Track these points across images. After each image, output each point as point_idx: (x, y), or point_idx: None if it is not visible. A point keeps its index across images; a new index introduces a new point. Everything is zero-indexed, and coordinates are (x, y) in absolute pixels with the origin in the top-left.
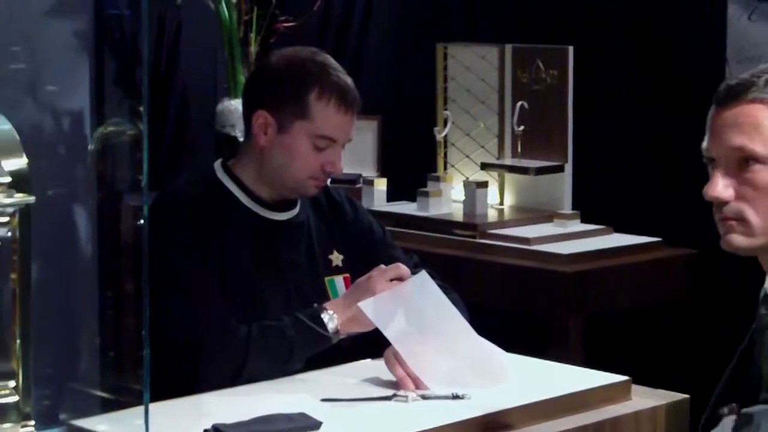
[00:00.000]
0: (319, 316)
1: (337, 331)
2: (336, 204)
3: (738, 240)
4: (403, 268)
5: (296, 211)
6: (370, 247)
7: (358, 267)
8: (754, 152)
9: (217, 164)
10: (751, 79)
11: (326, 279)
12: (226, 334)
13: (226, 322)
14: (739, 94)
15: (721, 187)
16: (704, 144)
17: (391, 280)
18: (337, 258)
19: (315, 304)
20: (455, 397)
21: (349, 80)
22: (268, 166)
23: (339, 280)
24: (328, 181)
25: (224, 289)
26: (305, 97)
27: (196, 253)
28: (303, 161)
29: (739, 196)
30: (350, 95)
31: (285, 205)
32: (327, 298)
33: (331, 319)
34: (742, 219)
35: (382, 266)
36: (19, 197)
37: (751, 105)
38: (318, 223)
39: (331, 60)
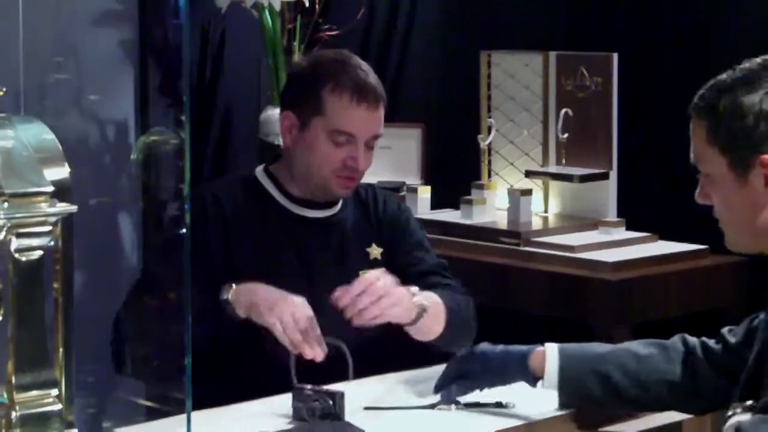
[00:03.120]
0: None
1: (228, 302)
2: (380, 208)
3: None
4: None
5: (336, 210)
6: (401, 242)
7: (393, 261)
8: None
9: (260, 167)
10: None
11: (360, 272)
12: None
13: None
14: None
15: None
16: None
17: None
18: (375, 251)
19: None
20: (499, 405)
21: (369, 77)
22: (295, 166)
23: None
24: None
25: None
26: (320, 92)
27: (203, 252)
28: (322, 157)
29: None
30: (367, 89)
31: (324, 204)
32: None
33: (228, 292)
34: None
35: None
36: (62, 206)
37: None
38: (358, 219)
39: (355, 59)
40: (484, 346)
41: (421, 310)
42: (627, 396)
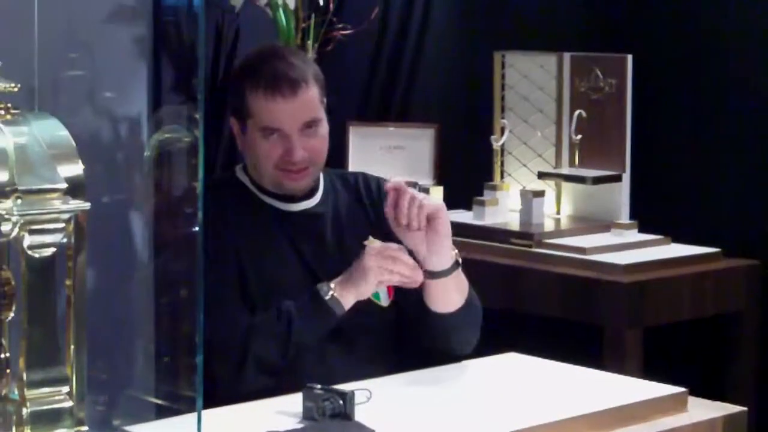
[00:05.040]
0: (325, 303)
1: (343, 311)
2: (374, 192)
3: None
4: (394, 248)
5: (315, 200)
6: None
7: None
8: None
9: (239, 166)
10: None
11: None
12: (228, 329)
13: (233, 321)
14: None
15: None
16: None
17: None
18: (374, 243)
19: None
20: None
21: (286, 66)
22: (249, 167)
23: None
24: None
25: (246, 283)
26: (244, 93)
27: (213, 254)
28: (263, 156)
29: None
30: (278, 79)
31: (302, 196)
32: None
33: (338, 304)
34: None
35: (377, 246)
36: (75, 203)
37: None
38: (351, 210)
39: (278, 51)
40: None
41: (456, 262)
42: None
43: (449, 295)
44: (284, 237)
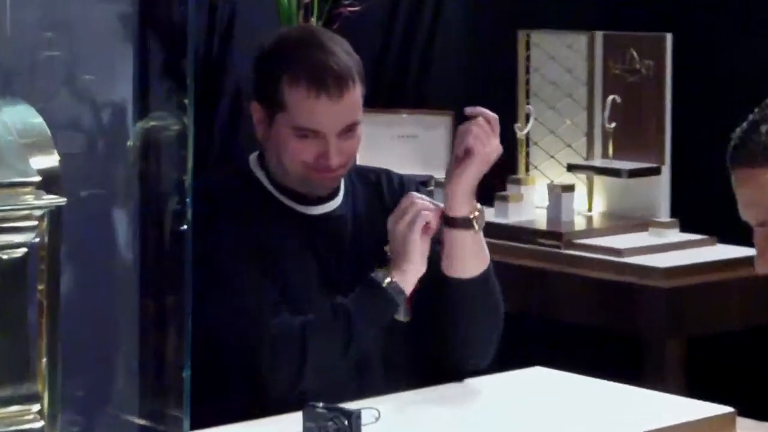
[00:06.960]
0: (384, 290)
1: (404, 296)
2: (397, 191)
3: None
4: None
5: (336, 203)
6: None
7: None
8: None
9: (253, 156)
10: None
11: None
12: (281, 327)
13: (280, 316)
14: None
15: None
16: None
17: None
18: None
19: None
20: None
21: (332, 58)
22: (272, 161)
23: None
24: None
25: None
26: (280, 84)
27: (238, 249)
28: (293, 154)
29: None
30: (326, 75)
31: (323, 197)
32: None
33: (397, 291)
34: None
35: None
36: (49, 198)
37: None
38: (371, 213)
39: (318, 37)
40: None
41: (481, 216)
42: None
43: (462, 261)
44: (303, 241)
